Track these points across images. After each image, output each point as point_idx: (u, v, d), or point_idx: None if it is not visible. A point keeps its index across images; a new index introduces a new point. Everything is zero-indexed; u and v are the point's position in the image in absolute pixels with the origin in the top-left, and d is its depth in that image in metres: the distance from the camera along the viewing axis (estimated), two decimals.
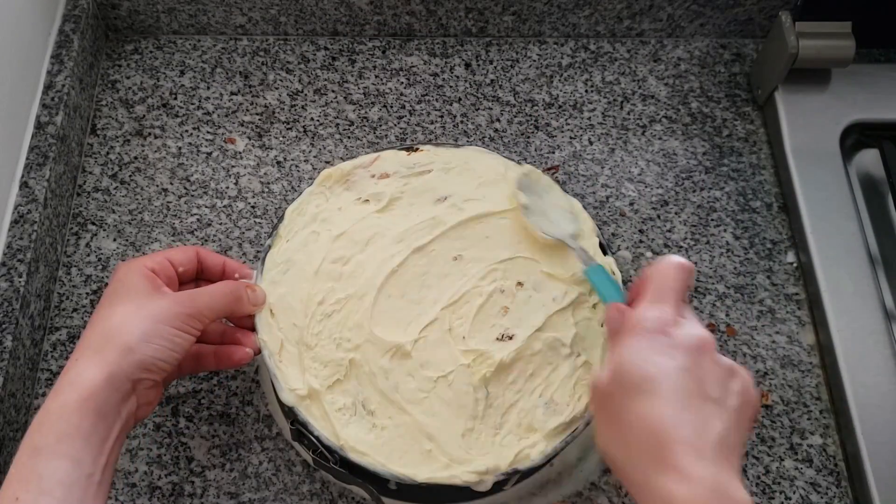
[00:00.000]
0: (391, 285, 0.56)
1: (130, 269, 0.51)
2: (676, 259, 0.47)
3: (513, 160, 0.62)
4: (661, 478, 0.39)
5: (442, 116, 0.75)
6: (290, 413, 0.53)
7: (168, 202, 0.70)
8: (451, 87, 0.77)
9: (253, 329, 0.55)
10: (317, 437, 0.52)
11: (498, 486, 0.53)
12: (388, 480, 0.51)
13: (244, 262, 0.67)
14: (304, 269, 0.57)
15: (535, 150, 0.73)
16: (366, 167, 0.61)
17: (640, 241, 0.69)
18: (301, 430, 0.53)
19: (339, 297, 0.56)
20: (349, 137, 0.73)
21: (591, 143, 0.74)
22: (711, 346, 0.43)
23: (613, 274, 0.55)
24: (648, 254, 0.69)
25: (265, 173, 0.71)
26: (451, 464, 0.51)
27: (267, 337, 0.55)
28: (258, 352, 0.55)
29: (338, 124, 0.74)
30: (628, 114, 0.76)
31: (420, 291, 0.56)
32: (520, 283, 0.56)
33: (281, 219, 0.59)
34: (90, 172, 0.71)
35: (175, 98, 0.75)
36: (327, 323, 0.55)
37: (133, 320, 0.48)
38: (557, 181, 0.71)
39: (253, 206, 0.70)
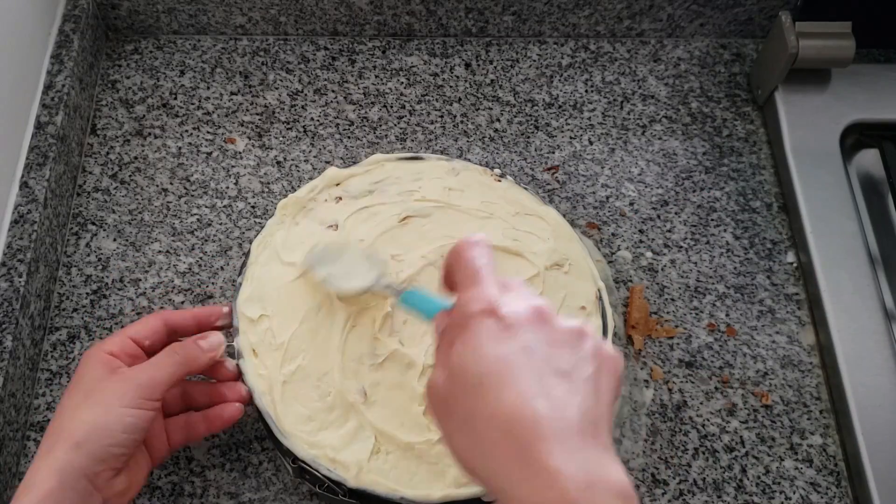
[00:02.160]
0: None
1: (88, 359, 0.50)
2: (465, 240, 0.43)
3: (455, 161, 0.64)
4: (525, 486, 0.34)
5: (442, 116, 0.75)
6: (289, 452, 0.53)
7: (168, 202, 0.70)
8: (451, 87, 0.77)
9: (238, 377, 0.55)
10: (324, 475, 0.52)
11: None
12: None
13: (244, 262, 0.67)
14: (278, 304, 0.57)
15: (535, 150, 0.73)
16: (325, 189, 0.62)
17: (640, 241, 0.69)
18: (304, 467, 0.53)
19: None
20: (349, 137, 0.73)
21: (591, 143, 0.74)
22: (548, 313, 0.38)
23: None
24: (648, 254, 0.69)
25: (265, 173, 0.71)
26: (461, 477, 0.51)
27: (253, 380, 0.55)
28: (249, 399, 0.54)
29: (338, 124, 0.74)
30: (628, 114, 0.76)
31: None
32: None
33: (247, 254, 0.60)
34: (90, 172, 0.71)
35: (175, 98, 0.75)
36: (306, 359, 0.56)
37: (80, 413, 0.46)
38: (557, 181, 0.71)
39: (253, 206, 0.70)
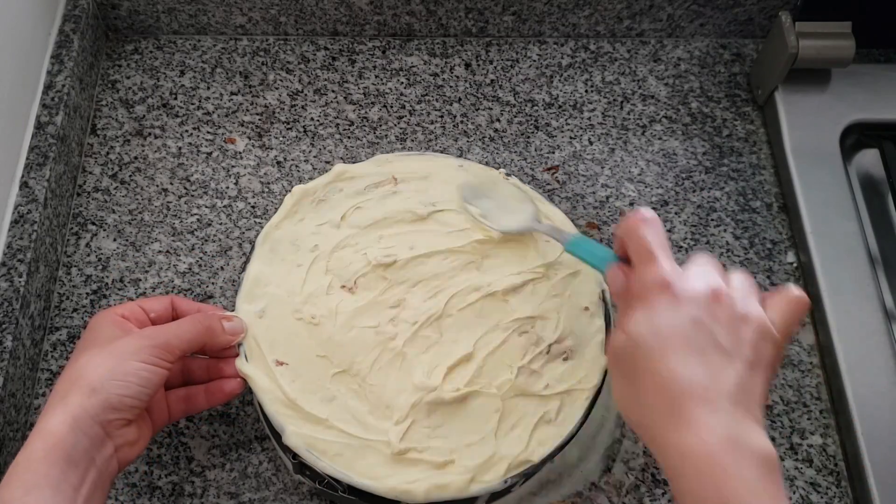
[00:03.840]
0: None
1: (100, 318, 0.51)
2: (638, 215, 0.46)
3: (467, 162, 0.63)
4: (674, 434, 0.39)
5: (442, 116, 0.75)
6: (289, 449, 0.53)
7: (168, 202, 0.70)
8: (451, 87, 0.77)
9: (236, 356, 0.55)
10: (330, 476, 0.52)
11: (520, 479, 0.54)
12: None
13: (244, 262, 0.67)
14: (283, 302, 0.57)
15: (535, 150, 0.73)
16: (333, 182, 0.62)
17: None
18: (304, 463, 0.53)
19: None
20: (349, 137, 0.73)
21: (591, 143, 0.74)
22: (723, 294, 0.42)
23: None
24: None
25: (265, 173, 0.71)
26: (467, 472, 0.51)
27: (252, 373, 0.54)
28: (243, 384, 0.54)
29: (338, 124, 0.74)
30: (628, 114, 0.76)
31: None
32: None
33: (253, 247, 0.60)
34: (90, 172, 0.71)
35: (175, 98, 0.75)
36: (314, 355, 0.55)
37: (96, 360, 0.47)
38: (557, 181, 0.71)
39: (253, 206, 0.70)
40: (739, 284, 0.44)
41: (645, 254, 0.44)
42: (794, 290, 0.45)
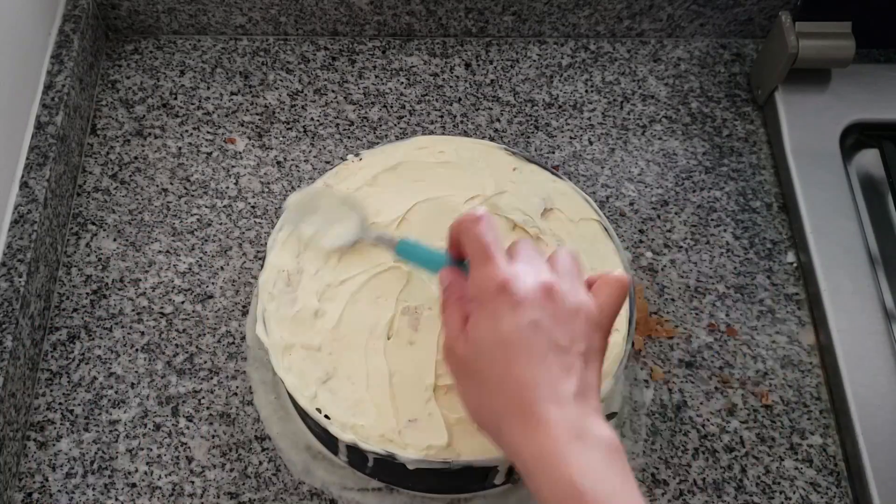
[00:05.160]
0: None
1: None
2: (471, 214, 0.46)
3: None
4: (524, 436, 0.41)
5: (442, 116, 0.75)
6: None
7: (168, 202, 0.70)
8: (451, 87, 0.77)
9: None
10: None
11: None
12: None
13: (244, 262, 0.67)
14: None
15: (535, 150, 0.73)
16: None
17: (640, 241, 0.69)
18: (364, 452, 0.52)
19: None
20: (349, 137, 0.73)
21: (591, 143, 0.74)
22: (555, 290, 0.43)
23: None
24: (648, 254, 0.69)
25: (265, 173, 0.71)
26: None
27: (288, 376, 0.53)
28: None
29: (338, 124, 0.74)
30: (628, 114, 0.76)
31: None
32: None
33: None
34: (90, 172, 0.71)
35: (175, 98, 0.75)
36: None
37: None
38: None
39: (253, 206, 0.70)
40: (566, 270, 0.45)
41: (482, 254, 0.44)
42: (615, 273, 0.46)
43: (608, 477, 0.39)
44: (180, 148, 0.73)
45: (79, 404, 0.61)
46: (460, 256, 0.47)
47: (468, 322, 0.44)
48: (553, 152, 0.73)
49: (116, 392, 0.62)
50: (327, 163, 0.72)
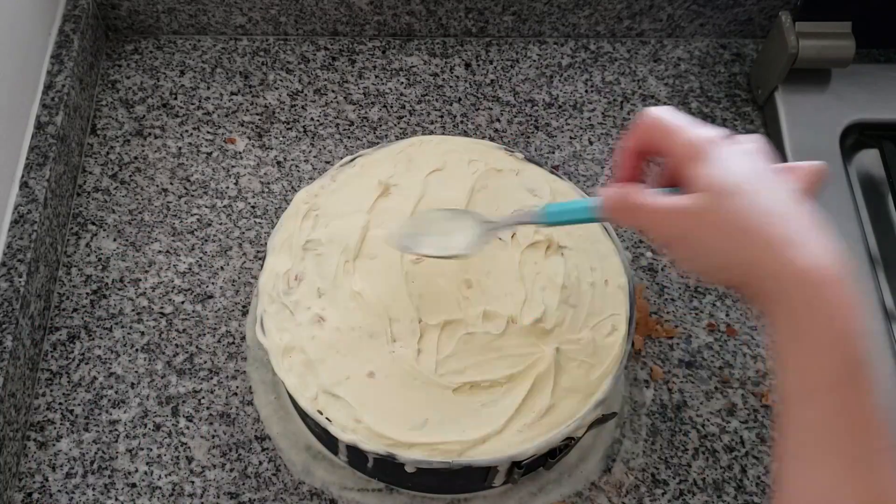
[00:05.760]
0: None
1: None
2: (655, 111, 0.45)
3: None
4: (787, 256, 0.39)
5: (442, 116, 0.75)
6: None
7: (168, 202, 0.70)
8: (451, 87, 0.77)
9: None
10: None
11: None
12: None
13: (244, 262, 0.67)
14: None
15: (535, 150, 0.73)
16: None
17: (640, 241, 0.69)
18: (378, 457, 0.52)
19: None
20: (349, 137, 0.73)
21: (591, 143, 0.74)
22: (761, 152, 0.43)
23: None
24: (648, 254, 0.69)
25: (265, 173, 0.71)
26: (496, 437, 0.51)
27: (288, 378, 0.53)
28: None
29: (338, 124, 0.74)
30: (628, 114, 0.76)
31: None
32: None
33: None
34: (90, 172, 0.71)
35: (175, 98, 0.75)
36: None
37: None
38: None
39: (253, 206, 0.70)
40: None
41: (688, 125, 0.44)
42: (811, 162, 0.46)
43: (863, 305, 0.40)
44: (180, 148, 0.73)
45: (79, 404, 0.61)
46: (632, 176, 0.46)
47: (697, 175, 0.42)
48: (553, 152, 0.73)
49: (116, 392, 0.62)
50: (327, 162, 0.72)
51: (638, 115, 0.45)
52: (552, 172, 0.61)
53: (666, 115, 0.45)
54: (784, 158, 0.71)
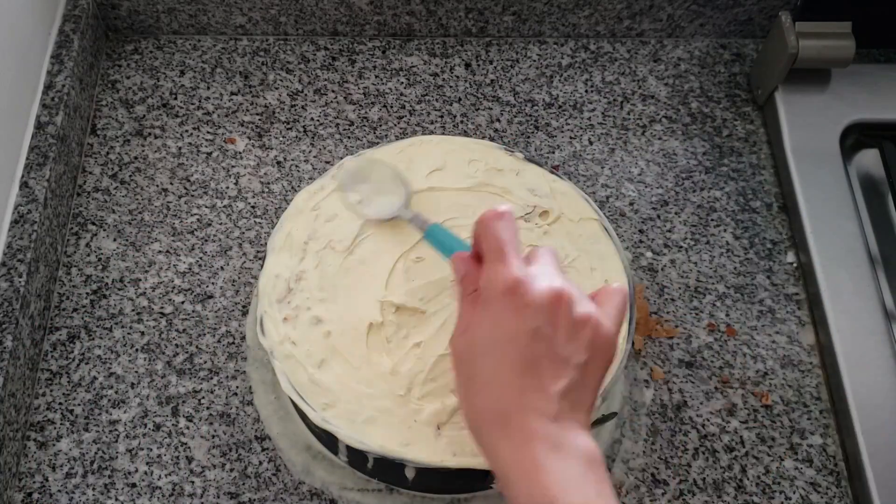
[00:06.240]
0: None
1: None
2: (493, 211, 0.45)
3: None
4: (503, 442, 0.41)
5: (442, 116, 0.75)
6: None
7: (168, 202, 0.70)
8: (451, 87, 0.77)
9: None
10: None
11: None
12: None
13: (244, 262, 0.67)
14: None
15: (535, 150, 0.73)
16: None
17: (640, 241, 0.69)
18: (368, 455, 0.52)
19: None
20: (349, 137, 0.73)
21: (591, 143, 0.74)
22: (565, 298, 0.42)
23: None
24: (648, 254, 0.69)
25: (265, 173, 0.71)
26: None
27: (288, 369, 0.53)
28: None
29: (338, 124, 0.74)
30: (628, 114, 0.76)
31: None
32: None
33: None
34: (90, 172, 0.71)
35: (175, 98, 0.75)
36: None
37: None
38: None
39: (253, 206, 0.70)
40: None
41: (496, 251, 0.44)
42: (614, 285, 0.46)
43: (583, 488, 0.39)
44: (180, 148, 0.73)
45: (79, 404, 0.61)
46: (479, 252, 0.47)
47: (473, 315, 0.44)
48: (553, 152, 0.73)
49: (116, 392, 0.62)
50: (327, 163, 0.72)
51: (489, 210, 0.46)
52: (552, 172, 0.61)
53: (501, 230, 0.45)
54: (784, 158, 0.71)
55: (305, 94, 0.76)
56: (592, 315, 0.43)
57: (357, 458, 0.55)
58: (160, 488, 0.58)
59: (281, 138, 0.73)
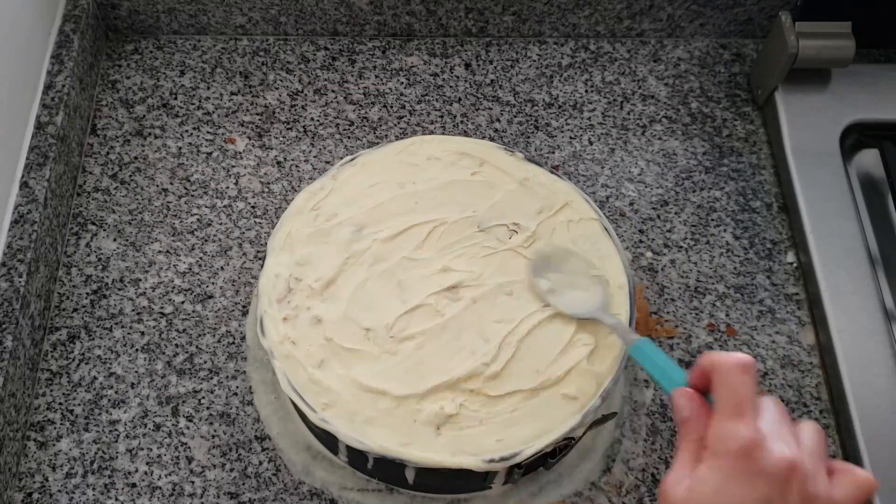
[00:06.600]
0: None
1: None
2: (738, 360, 0.42)
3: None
4: None
5: (442, 116, 0.75)
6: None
7: (168, 202, 0.70)
8: (451, 87, 0.77)
9: None
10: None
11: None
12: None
13: (244, 262, 0.67)
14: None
15: (535, 150, 0.73)
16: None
17: (640, 242, 0.69)
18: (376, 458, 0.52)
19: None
20: (349, 137, 0.73)
21: (591, 143, 0.74)
22: (799, 470, 0.40)
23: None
24: (648, 254, 0.69)
25: (265, 173, 0.71)
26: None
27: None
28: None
29: (338, 124, 0.74)
30: (628, 114, 0.76)
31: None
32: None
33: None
34: (90, 172, 0.71)
35: (175, 98, 0.75)
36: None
37: None
38: None
39: (253, 206, 0.70)
40: (811, 449, 0.42)
41: (735, 406, 0.41)
42: (864, 473, 0.42)
43: None
44: (180, 148, 0.73)
45: (79, 404, 0.61)
46: (704, 387, 0.44)
47: (698, 470, 0.41)
48: (553, 152, 0.73)
49: (116, 392, 0.62)
50: (327, 162, 0.72)
51: (729, 355, 0.43)
52: (552, 172, 0.61)
53: (745, 384, 0.42)
54: (784, 158, 0.71)
55: (305, 94, 0.76)
56: (821, 495, 0.40)
57: (357, 458, 0.55)
58: (160, 488, 0.58)
59: (281, 138, 0.73)
